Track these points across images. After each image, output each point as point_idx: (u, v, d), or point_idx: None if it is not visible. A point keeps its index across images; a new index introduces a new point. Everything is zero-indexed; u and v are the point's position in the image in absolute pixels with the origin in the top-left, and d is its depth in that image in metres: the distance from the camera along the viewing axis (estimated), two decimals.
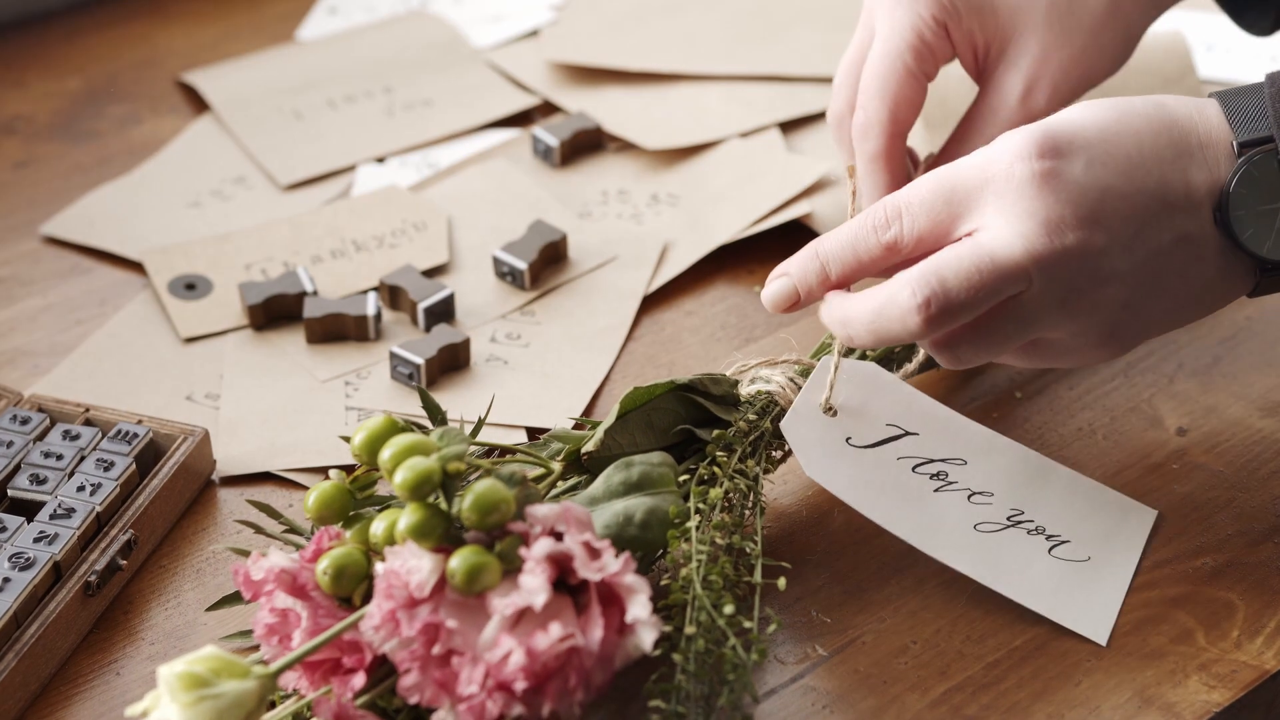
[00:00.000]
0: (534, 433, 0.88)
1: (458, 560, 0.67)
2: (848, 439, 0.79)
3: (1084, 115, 0.73)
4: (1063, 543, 0.79)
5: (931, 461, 0.80)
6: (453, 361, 0.92)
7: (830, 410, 0.80)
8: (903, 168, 0.84)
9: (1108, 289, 0.72)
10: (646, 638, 0.68)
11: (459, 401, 0.90)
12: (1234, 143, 0.73)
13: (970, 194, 0.72)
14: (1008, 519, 0.79)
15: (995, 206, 0.71)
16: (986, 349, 0.74)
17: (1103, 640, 0.76)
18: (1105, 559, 0.79)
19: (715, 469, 0.77)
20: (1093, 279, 0.72)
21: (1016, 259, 0.71)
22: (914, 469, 0.79)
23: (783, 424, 0.78)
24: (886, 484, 0.79)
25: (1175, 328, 0.76)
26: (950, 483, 0.80)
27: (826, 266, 0.75)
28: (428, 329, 0.94)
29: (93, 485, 0.80)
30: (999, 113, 0.83)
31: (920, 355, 0.86)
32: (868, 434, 0.80)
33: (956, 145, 0.85)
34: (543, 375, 0.92)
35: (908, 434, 0.80)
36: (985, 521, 0.79)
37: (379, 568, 0.68)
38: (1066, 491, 0.81)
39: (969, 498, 0.80)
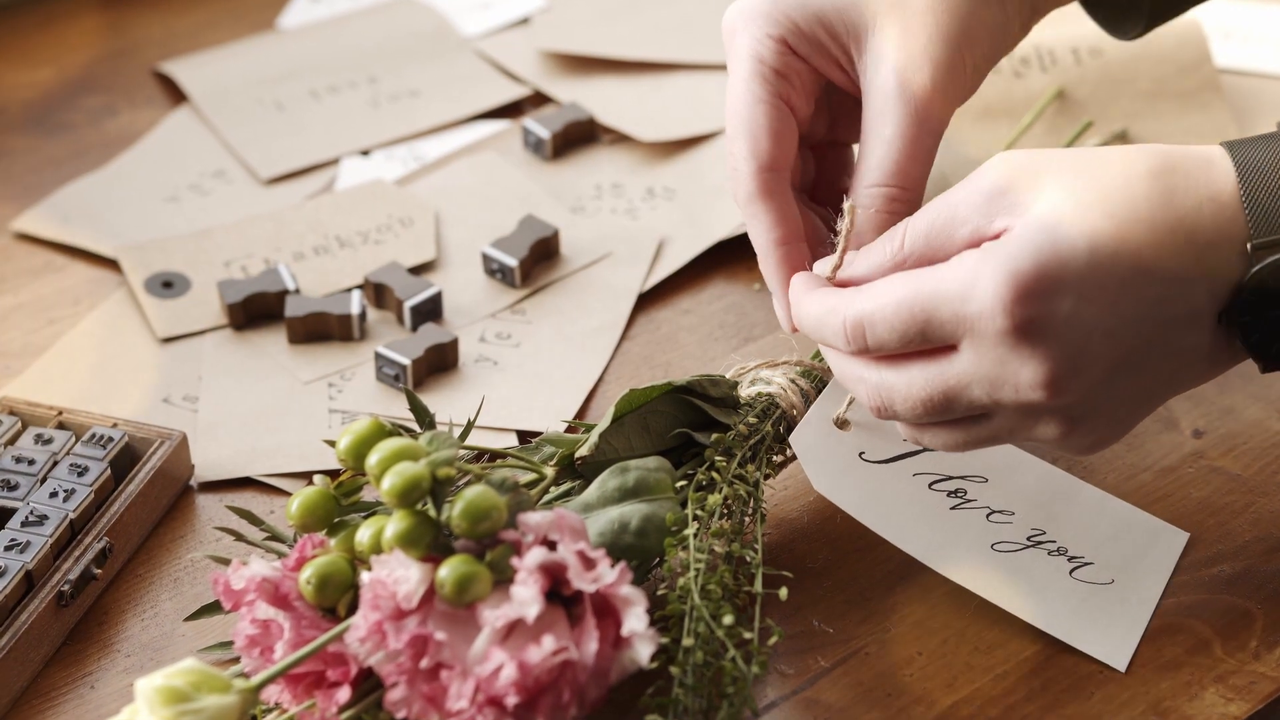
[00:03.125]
0: (525, 436, 0.88)
1: (447, 570, 0.67)
2: (861, 453, 0.79)
3: (1079, 227, 0.67)
4: (1085, 564, 0.79)
5: (950, 478, 0.80)
6: (440, 362, 0.92)
7: (844, 424, 0.79)
8: (785, 205, 0.77)
9: (1083, 424, 0.70)
10: (643, 651, 0.68)
11: (447, 404, 0.90)
12: (1249, 245, 0.68)
13: (945, 324, 0.69)
14: (1028, 539, 0.79)
15: (969, 342, 0.69)
16: (954, 449, 0.73)
17: (1121, 666, 0.76)
18: (1129, 582, 0.79)
19: (714, 474, 0.77)
20: (1065, 420, 0.70)
21: (975, 399, 0.70)
22: (931, 485, 0.79)
23: (791, 437, 0.78)
24: (901, 500, 0.78)
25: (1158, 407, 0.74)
26: (969, 500, 0.79)
27: (802, 328, 0.75)
28: (414, 328, 0.94)
29: (66, 491, 0.80)
30: (885, 115, 0.76)
31: None
32: (883, 448, 0.79)
33: (862, 170, 0.77)
34: (534, 376, 0.92)
35: (926, 449, 0.80)
36: (1004, 541, 0.79)
37: (365, 577, 0.68)
38: (1092, 511, 0.81)
39: (988, 516, 0.79)
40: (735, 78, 0.78)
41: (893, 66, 0.76)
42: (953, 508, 0.79)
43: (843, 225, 0.74)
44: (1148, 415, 0.73)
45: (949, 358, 0.70)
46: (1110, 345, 0.68)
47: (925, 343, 0.70)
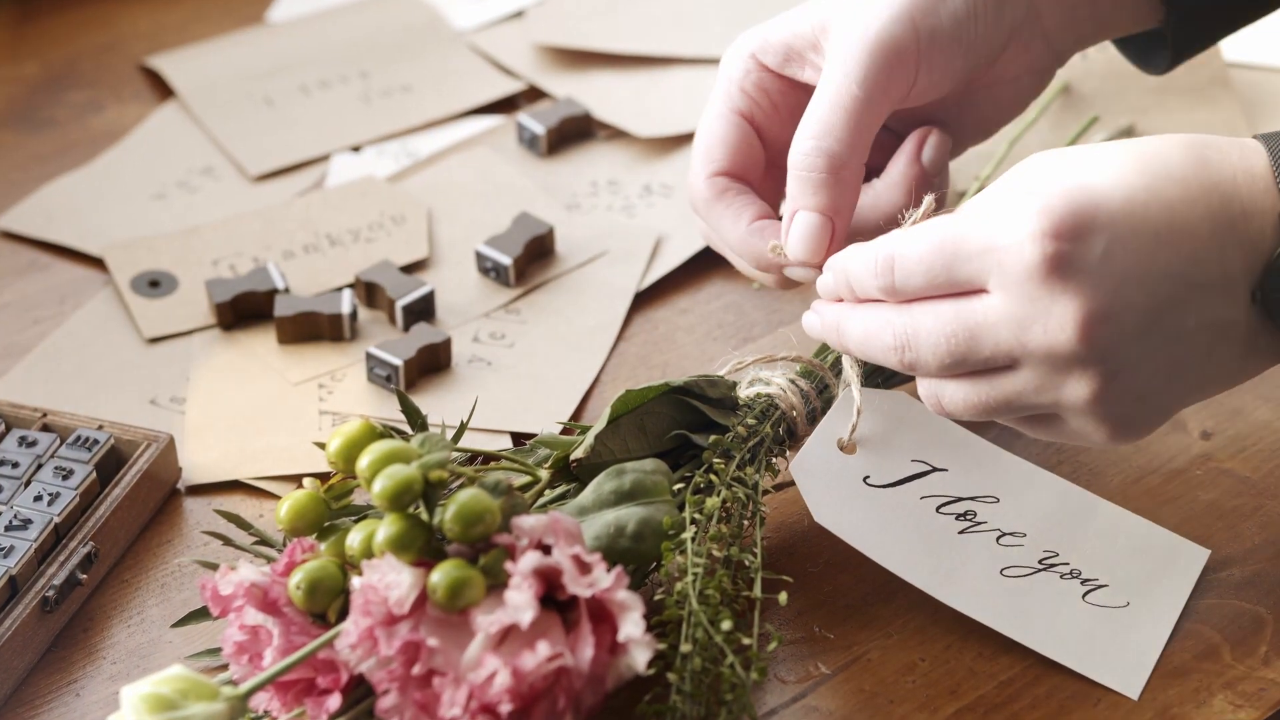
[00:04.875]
0: (519, 438, 0.88)
1: (439, 574, 0.67)
2: (865, 478, 0.78)
3: (1113, 179, 0.69)
4: (1099, 587, 0.78)
5: (960, 500, 0.79)
6: (433, 363, 0.92)
7: (850, 447, 0.79)
8: (747, 204, 0.81)
9: (1114, 383, 0.70)
10: (640, 657, 0.68)
11: (440, 405, 0.90)
12: None
13: (972, 259, 0.69)
14: (1040, 562, 0.78)
15: (997, 279, 0.69)
16: (973, 410, 0.73)
17: (1134, 694, 0.75)
18: (1146, 604, 0.78)
19: (712, 477, 0.76)
20: (1096, 375, 0.69)
21: (1001, 341, 0.69)
22: (938, 509, 0.79)
23: (792, 467, 0.78)
24: (906, 527, 0.78)
25: (1198, 401, 0.74)
26: (979, 523, 0.79)
27: (845, 277, 0.75)
28: (406, 328, 0.94)
29: (50, 495, 0.80)
30: (822, 78, 0.78)
31: None
32: (890, 471, 0.79)
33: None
34: (529, 377, 0.92)
35: (935, 470, 0.79)
36: (1014, 566, 0.78)
37: (356, 582, 0.68)
38: (1109, 530, 0.80)
39: (998, 539, 0.79)
40: (709, 100, 0.83)
41: (834, 35, 0.78)
42: (961, 532, 0.78)
43: (911, 215, 0.76)
44: (1179, 406, 0.72)
45: (978, 296, 0.70)
46: (1144, 296, 0.68)
47: (952, 284, 0.70)
